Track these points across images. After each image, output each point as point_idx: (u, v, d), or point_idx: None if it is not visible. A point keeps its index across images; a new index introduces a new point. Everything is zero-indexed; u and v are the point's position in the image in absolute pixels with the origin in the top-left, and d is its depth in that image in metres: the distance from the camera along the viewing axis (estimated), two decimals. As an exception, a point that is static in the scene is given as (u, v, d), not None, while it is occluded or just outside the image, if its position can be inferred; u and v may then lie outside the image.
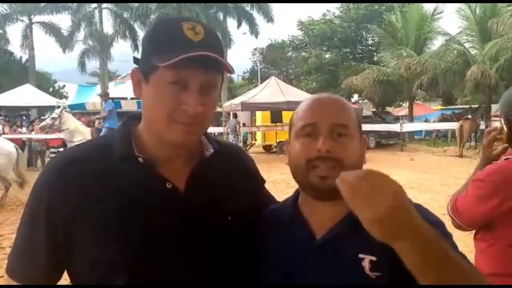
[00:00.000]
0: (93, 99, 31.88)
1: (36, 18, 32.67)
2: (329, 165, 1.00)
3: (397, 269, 0.94)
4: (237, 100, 18.26)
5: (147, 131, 1.10)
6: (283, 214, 1.15)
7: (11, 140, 15.29)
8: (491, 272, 1.80)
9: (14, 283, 1.09)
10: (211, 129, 20.11)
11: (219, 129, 19.54)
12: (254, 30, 32.22)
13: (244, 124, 20.00)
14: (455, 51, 21.50)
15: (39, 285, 1.09)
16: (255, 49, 41.50)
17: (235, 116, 18.88)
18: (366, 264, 0.98)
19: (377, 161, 13.88)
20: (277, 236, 1.12)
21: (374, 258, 0.98)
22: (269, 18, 32.03)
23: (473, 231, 1.96)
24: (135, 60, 1.09)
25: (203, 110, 1.01)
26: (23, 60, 34.15)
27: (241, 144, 17.60)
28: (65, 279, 1.13)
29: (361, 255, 0.99)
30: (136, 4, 29.78)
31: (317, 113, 1.05)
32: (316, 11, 38.86)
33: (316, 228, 1.07)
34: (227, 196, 1.14)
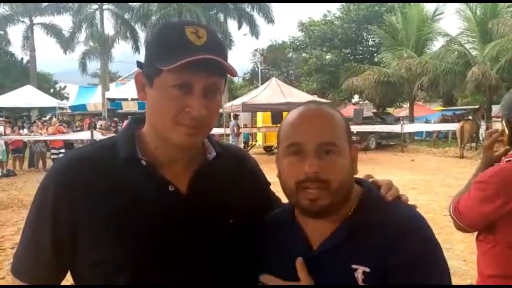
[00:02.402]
0: (94, 100, 31.96)
1: (37, 19, 32.77)
2: (317, 186, 0.99)
3: (388, 281, 0.96)
4: (238, 101, 18.28)
5: (151, 134, 1.11)
6: (282, 221, 1.15)
7: (13, 141, 15.41)
8: (494, 274, 1.80)
9: (19, 282, 1.10)
10: (215, 130, 20.15)
11: (220, 130, 19.54)
12: (254, 31, 32.24)
13: (245, 125, 19.98)
14: (456, 52, 21.49)
15: (39, 285, 1.10)
16: (256, 50, 41.51)
17: (235, 117, 18.87)
18: (359, 275, 0.97)
19: (377, 162, 13.88)
20: (276, 243, 1.12)
21: (367, 269, 0.97)
22: (270, 19, 32.06)
23: (475, 233, 1.96)
24: (139, 64, 1.09)
25: (207, 113, 1.02)
26: (24, 61, 34.23)
27: (241, 145, 17.57)
28: (66, 280, 1.14)
29: (354, 266, 0.98)
30: (137, 5, 29.81)
31: (303, 132, 1.02)
32: (316, 12, 38.90)
33: (313, 237, 1.06)
34: (229, 199, 1.14)
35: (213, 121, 1.10)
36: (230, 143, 16.58)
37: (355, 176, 1.11)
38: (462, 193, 1.96)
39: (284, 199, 1.28)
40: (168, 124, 1.03)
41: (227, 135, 18.59)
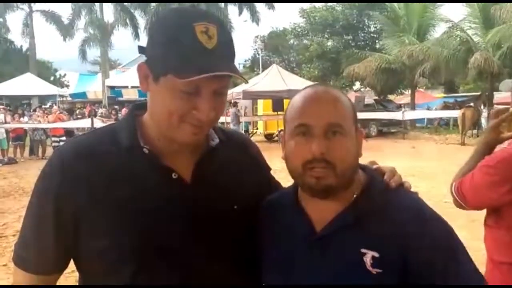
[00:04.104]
0: (94, 88, 31.92)
1: (37, 6, 32.54)
2: (323, 167, 0.99)
3: (402, 269, 0.95)
4: (239, 89, 18.22)
5: (153, 126, 1.10)
6: (283, 204, 1.15)
7: (13, 129, 15.41)
8: (506, 261, 1.80)
9: (20, 271, 1.10)
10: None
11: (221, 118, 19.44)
12: (255, 17, 32.09)
13: (245, 113, 19.93)
14: (458, 38, 21.35)
15: (39, 286, 1.10)
16: (257, 36, 41.19)
17: (235, 104, 18.80)
18: (367, 259, 0.97)
19: (378, 149, 13.88)
20: (278, 227, 1.12)
21: (376, 254, 0.97)
22: (270, 5, 31.87)
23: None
24: (140, 49, 1.06)
25: (214, 114, 1.02)
26: (24, 48, 34.06)
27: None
28: (66, 280, 1.13)
29: (363, 250, 0.98)
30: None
31: (310, 113, 1.02)
32: (316, 3, 38.43)
33: (316, 220, 1.06)
34: (233, 185, 1.14)
35: (219, 117, 1.10)
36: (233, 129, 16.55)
37: (359, 162, 1.10)
38: (464, 171, 1.95)
39: (285, 184, 1.29)
40: (173, 123, 1.01)
41: (227, 123, 18.56)
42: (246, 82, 1.07)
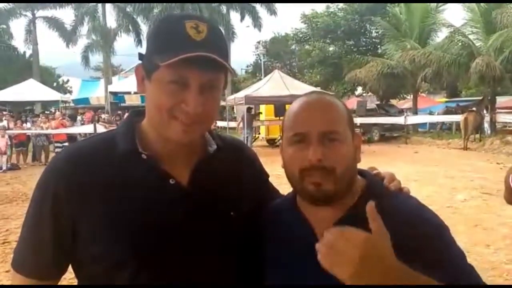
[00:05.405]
0: (97, 94, 32.02)
1: (40, 13, 32.72)
2: (322, 174, 1.00)
3: None
4: (241, 94, 18.23)
5: (150, 128, 1.11)
6: (283, 210, 1.16)
7: (16, 135, 15.46)
8: None
9: (20, 276, 1.10)
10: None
11: (223, 123, 19.48)
12: (257, 23, 32.20)
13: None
14: (460, 43, 21.33)
15: (39, 285, 1.10)
16: (258, 42, 41.33)
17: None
18: None
19: (381, 154, 13.87)
20: (279, 231, 1.13)
21: None
22: (272, 11, 31.97)
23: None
24: (140, 56, 1.08)
25: (203, 109, 1.02)
26: (27, 55, 34.22)
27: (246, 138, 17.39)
28: (66, 280, 1.14)
29: None
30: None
31: (306, 122, 1.04)
32: (319, 3, 38.56)
33: (316, 226, 1.07)
34: (230, 192, 1.15)
35: (212, 117, 1.10)
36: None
37: (358, 168, 1.12)
38: None
39: (285, 191, 1.29)
40: (164, 118, 1.02)
41: (230, 128, 18.55)
42: (234, 72, 1.07)
